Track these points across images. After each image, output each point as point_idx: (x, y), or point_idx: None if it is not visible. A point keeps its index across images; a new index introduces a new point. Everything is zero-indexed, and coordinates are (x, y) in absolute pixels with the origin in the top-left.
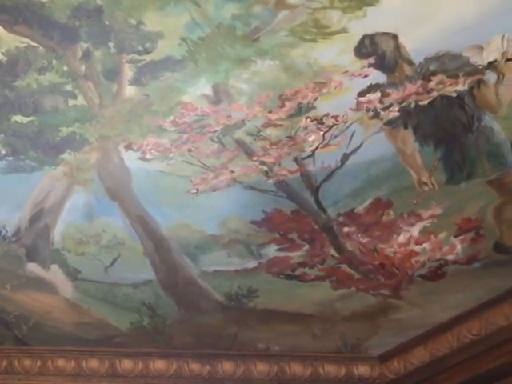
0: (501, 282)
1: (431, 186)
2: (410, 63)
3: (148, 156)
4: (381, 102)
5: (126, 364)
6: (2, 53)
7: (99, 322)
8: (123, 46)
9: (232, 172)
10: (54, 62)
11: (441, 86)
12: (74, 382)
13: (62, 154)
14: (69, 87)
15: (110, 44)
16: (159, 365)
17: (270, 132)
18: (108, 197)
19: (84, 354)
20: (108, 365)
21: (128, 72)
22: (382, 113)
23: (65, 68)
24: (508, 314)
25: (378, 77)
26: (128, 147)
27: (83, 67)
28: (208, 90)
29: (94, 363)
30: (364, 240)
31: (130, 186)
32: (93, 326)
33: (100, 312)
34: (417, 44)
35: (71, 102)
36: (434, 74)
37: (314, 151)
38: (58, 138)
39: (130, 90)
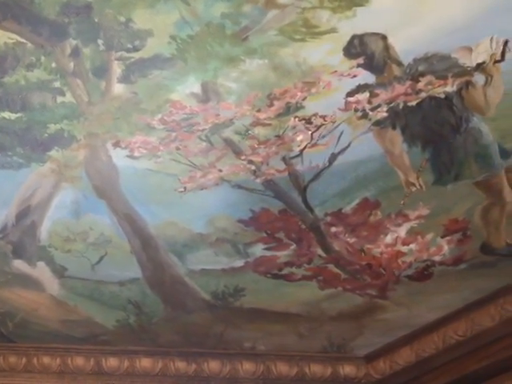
0: (487, 283)
1: (419, 187)
2: (399, 64)
3: (136, 154)
4: (369, 102)
5: (112, 362)
6: None
7: (85, 320)
8: (112, 43)
9: (220, 171)
10: (43, 58)
11: (429, 87)
12: (59, 379)
13: (50, 151)
14: (57, 84)
15: (99, 41)
16: (145, 363)
17: (259, 131)
18: (95, 194)
19: (70, 351)
20: (94, 363)
21: (117, 69)
22: (370, 113)
23: (53, 65)
24: (494, 315)
25: (366, 77)
26: (116, 145)
27: (72, 64)
28: (197, 89)
29: (79, 361)
30: (351, 240)
31: (118, 183)
32: (79, 323)
33: (86, 310)
34: (406, 45)
35: (59, 99)
36: (422, 74)
37: (302, 151)
38: (46, 135)
39: (118, 88)
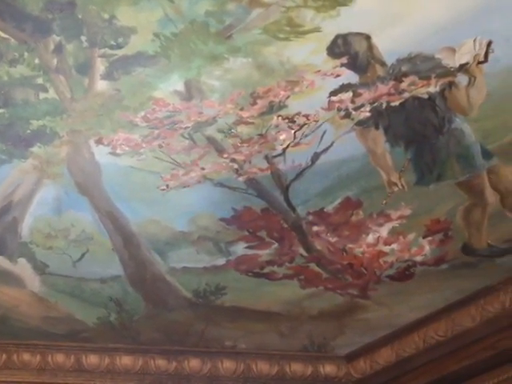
0: (468, 283)
1: (401, 187)
2: (383, 64)
3: (118, 151)
4: (352, 101)
5: (92, 359)
6: None
7: (66, 317)
8: (96, 40)
9: (202, 169)
10: (26, 54)
11: (412, 87)
12: (39, 376)
13: (32, 147)
14: (40, 80)
15: (83, 38)
16: (126, 360)
17: (242, 129)
18: (77, 191)
19: (50, 348)
20: (74, 360)
21: (100, 66)
22: (353, 113)
23: (36, 61)
24: (475, 315)
25: (350, 77)
26: (98, 142)
27: (55, 60)
28: (180, 87)
29: (59, 358)
30: (333, 239)
31: (100, 180)
32: (60, 320)
33: (67, 307)
34: (389, 45)
35: (42, 95)
36: (405, 75)
37: (284, 150)
38: (28, 131)
39: (101, 85)
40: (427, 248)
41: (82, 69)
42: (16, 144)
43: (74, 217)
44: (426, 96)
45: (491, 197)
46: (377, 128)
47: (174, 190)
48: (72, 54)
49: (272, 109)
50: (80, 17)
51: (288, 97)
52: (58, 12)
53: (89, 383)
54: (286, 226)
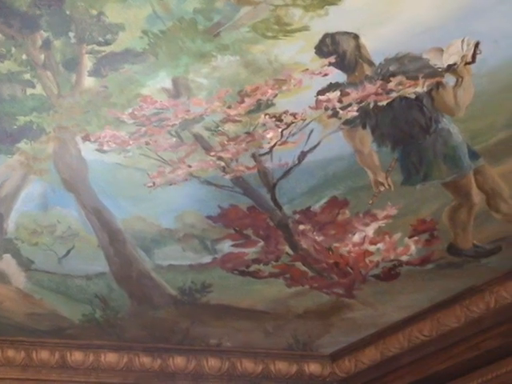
0: (453, 283)
1: (387, 187)
2: (370, 63)
3: (105, 148)
4: (340, 101)
5: (77, 356)
6: None
7: (51, 313)
8: (83, 36)
9: (189, 166)
10: (13, 50)
11: (400, 87)
12: (23, 372)
13: (19, 143)
14: (27, 76)
15: (71, 34)
16: (110, 358)
17: (229, 127)
18: (64, 187)
19: (34, 344)
20: (58, 356)
21: (87, 63)
22: (340, 112)
23: (24, 56)
24: (459, 315)
25: (337, 76)
26: (85, 138)
27: (42, 56)
28: (167, 84)
29: (44, 354)
30: (319, 238)
31: (87, 177)
32: (44, 317)
33: (52, 303)
34: (377, 44)
35: (29, 91)
36: (393, 74)
37: (271, 148)
38: (15, 127)
39: (89, 81)
40: (413, 248)
41: (70, 65)
42: (2, 140)
43: (60, 213)
44: (413, 96)
45: (477, 197)
46: (364, 128)
47: (161, 188)
48: (59, 50)
49: (259, 107)
50: (68, 13)
51: (275, 95)
52: (46, 8)
53: (73, 380)
54: (272, 224)
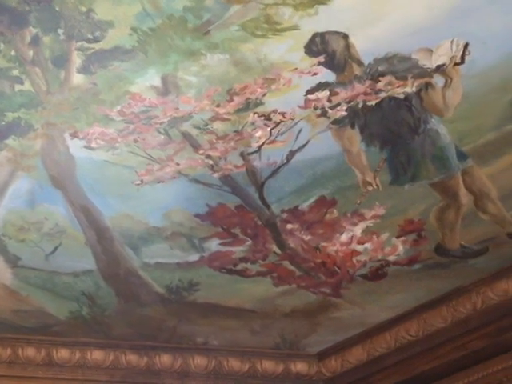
0: (440, 284)
1: (375, 187)
2: (360, 63)
3: (93, 145)
4: (329, 100)
5: (63, 353)
6: None
7: (38, 310)
8: (73, 33)
9: (177, 164)
10: (2, 46)
11: (389, 87)
12: (8, 369)
13: (7, 140)
14: (16, 72)
15: (60, 31)
16: (96, 355)
17: (217, 126)
18: (51, 184)
19: (20, 341)
20: (44, 353)
21: (76, 60)
22: (329, 111)
23: (12, 53)
24: (446, 315)
25: (327, 75)
26: (74, 135)
27: (31, 52)
28: (156, 81)
29: (30, 351)
30: (307, 238)
31: (75, 174)
32: (31, 313)
33: (39, 300)
34: (367, 44)
35: (17, 87)
36: (382, 74)
37: (260, 147)
38: (3, 123)
39: (77, 78)
40: (400, 248)
41: (59, 62)
42: None
43: (47, 210)
44: (402, 96)
45: (465, 198)
46: (353, 127)
47: (149, 185)
48: (48, 46)
49: (248, 106)
50: (57, 9)
51: (264, 94)
52: (36, 4)
53: (59, 377)
54: (260, 223)
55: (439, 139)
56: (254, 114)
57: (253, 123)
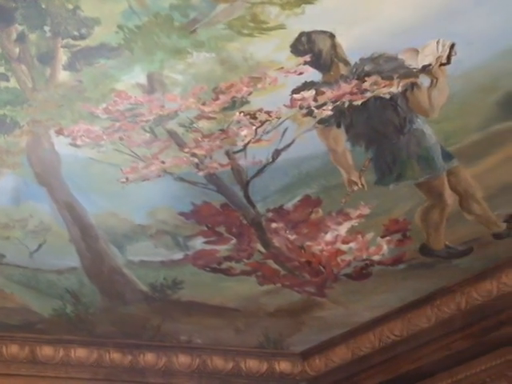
0: (425, 284)
1: (361, 186)
2: (346, 63)
3: (79, 142)
4: (315, 100)
5: (47, 351)
6: None
7: (22, 308)
8: (59, 30)
9: (163, 162)
10: None
11: (375, 87)
12: None
13: None
14: (1, 69)
15: (46, 28)
16: (80, 353)
17: (203, 124)
18: (37, 182)
19: (4, 339)
20: (28, 351)
21: (62, 57)
22: (315, 111)
23: None
24: (430, 315)
25: (313, 75)
26: (59, 132)
27: (17, 50)
28: (142, 79)
29: (13, 349)
30: (291, 237)
31: (60, 171)
32: (15, 311)
33: (23, 297)
34: (353, 44)
35: (3, 84)
36: (368, 74)
37: (245, 146)
38: None
39: (63, 75)
40: (385, 248)
41: (45, 59)
42: None
43: (32, 207)
44: (388, 96)
45: (450, 198)
46: (338, 127)
47: (134, 183)
48: (34, 43)
49: (234, 104)
50: (43, 6)
51: (250, 93)
52: (22, 1)
53: (42, 375)
54: (245, 222)
55: (424, 139)
56: (240, 112)
57: (238, 122)
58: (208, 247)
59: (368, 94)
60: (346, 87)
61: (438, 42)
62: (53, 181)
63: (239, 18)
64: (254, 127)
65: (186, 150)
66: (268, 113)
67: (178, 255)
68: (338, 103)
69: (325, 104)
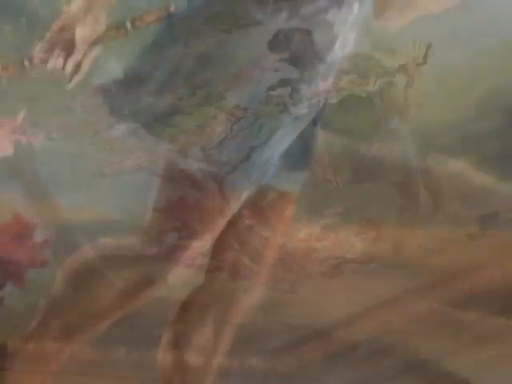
0: (398, 283)
1: (336, 184)
2: (323, 61)
3: (54, 135)
4: (291, 97)
5: None
6: None
7: None
8: None
9: (139, 157)
10: None
11: (351, 86)
12: None
13: None
14: None
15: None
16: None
17: (179, 120)
18: (10, 174)
19: None
20: None
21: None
22: (291, 108)
23: None
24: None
25: (289, 72)
26: (34, 125)
27: None
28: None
29: None
30: (266, 234)
31: (34, 165)
32: None
33: None
34: (330, 42)
35: None
36: (345, 73)
37: (221, 142)
38: None
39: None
40: (358, 246)
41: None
42: None
43: (6, 199)
44: (363, 95)
45: (424, 198)
46: (314, 124)
47: (109, 177)
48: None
49: (211, 100)
50: None
51: (227, 89)
52: None
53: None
54: (219, 218)
55: (400, 138)
56: (216, 108)
57: (214, 118)
58: (182, 243)
59: (344, 93)
60: (322, 85)
61: (414, 42)
62: (27, 174)
63: (217, 14)
64: (230, 123)
65: (162, 145)
66: (244, 109)
67: (152, 250)
68: (313, 101)
69: (300, 101)
